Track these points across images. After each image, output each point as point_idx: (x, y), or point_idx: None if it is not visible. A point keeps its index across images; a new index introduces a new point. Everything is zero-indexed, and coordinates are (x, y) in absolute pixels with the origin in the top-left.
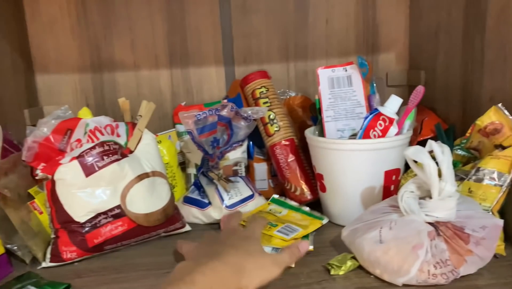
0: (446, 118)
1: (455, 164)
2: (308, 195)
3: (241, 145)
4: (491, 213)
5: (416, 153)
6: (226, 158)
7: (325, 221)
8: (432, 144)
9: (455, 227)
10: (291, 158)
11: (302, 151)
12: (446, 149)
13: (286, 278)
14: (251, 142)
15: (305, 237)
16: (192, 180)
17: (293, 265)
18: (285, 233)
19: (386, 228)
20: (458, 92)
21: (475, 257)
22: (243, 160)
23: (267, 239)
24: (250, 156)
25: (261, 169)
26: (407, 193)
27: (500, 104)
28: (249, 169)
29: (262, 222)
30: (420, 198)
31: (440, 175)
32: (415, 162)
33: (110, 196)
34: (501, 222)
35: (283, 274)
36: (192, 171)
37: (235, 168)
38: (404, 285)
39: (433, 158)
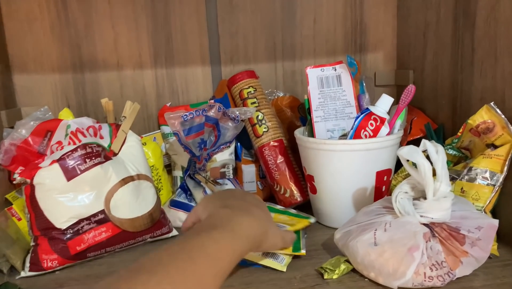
0: (435, 118)
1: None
2: (298, 197)
3: (229, 146)
4: (484, 212)
5: (410, 152)
6: (213, 159)
7: (312, 220)
8: (426, 143)
9: (451, 228)
10: (280, 159)
11: (291, 152)
12: (440, 148)
13: (279, 283)
14: (238, 144)
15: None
16: (179, 183)
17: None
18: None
19: (380, 230)
20: (448, 91)
21: (470, 258)
22: (230, 162)
23: None
24: (238, 157)
25: (249, 170)
26: (401, 193)
27: (492, 103)
28: (237, 171)
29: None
30: (414, 199)
31: (434, 174)
32: (409, 161)
33: (93, 200)
34: (496, 222)
35: (275, 279)
36: (178, 173)
37: (222, 170)
38: (400, 288)
39: (427, 157)
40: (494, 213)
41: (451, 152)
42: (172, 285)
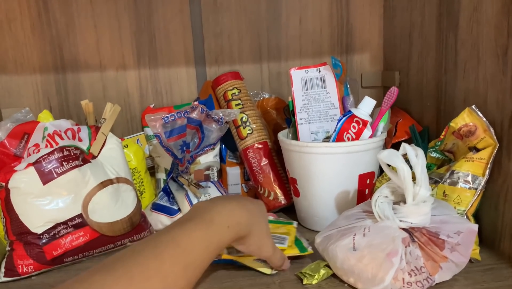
0: (421, 119)
1: (429, 167)
2: (282, 200)
3: (213, 149)
4: (465, 216)
5: (390, 156)
6: (197, 162)
7: (295, 224)
8: (406, 147)
9: (430, 232)
10: (265, 161)
11: (276, 154)
12: (420, 152)
13: None
14: (223, 146)
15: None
16: (162, 185)
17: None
18: (280, 242)
19: (359, 235)
20: (432, 93)
21: (450, 263)
22: (215, 164)
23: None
24: (222, 159)
25: (234, 173)
26: (381, 198)
27: (473, 106)
28: (221, 173)
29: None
30: (395, 203)
31: (414, 178)
32: (389, 165)
33: (71, 204)
34: (476, 227)
35: (255, 284)
36: (161, 176)
37: (206, 172)
38: None
39: (407, 161)
40: (477, 217)
41: (434, 155)
42: (130, 280)
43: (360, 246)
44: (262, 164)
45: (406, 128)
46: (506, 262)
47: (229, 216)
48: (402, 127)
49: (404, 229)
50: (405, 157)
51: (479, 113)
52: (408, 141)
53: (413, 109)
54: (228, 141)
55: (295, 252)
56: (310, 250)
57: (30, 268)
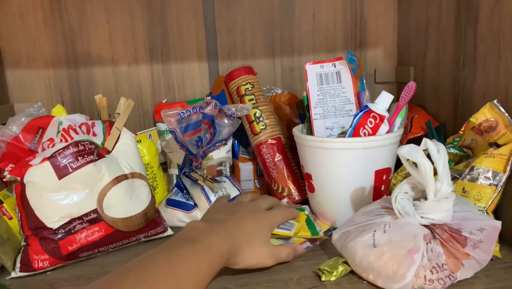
0: (436, 115)
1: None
2: (296, 196)
3: (225, 144)
4: (486, 213)
5: (411, 151)
6: (210, 157)
7: (307, 210)
8: (427, 142)
9: (452, 229)
10: (278, 157)
11: (290, 150)
12: (442, 147)
13: (275, 285)
14: (236, 142)
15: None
16: (174, 181)
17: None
18: (287, 229)
19: (380, 231)
20: (449, 89)
21: (472, 261)
22: (227, 160)
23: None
24: (235, 155)
25: (246, 169)
26: (401, 194)
27: (495, 101)
28: (234, 169)
29: (290, 213)
30: (415, 199)
31: (435, 174)
32: (409, 160)
33: (86, 199)
34: (499, 224)
35: (271, 281)
36: (174, 171)
37: (219, 168)
38: None
39: (428, 156)
40: (497, 214)
41: (452, 151)
42: None
43: (380, 243)
44: (275, 160)
45: (422, 124)
46: None
47: (220, 245)
48: (417, 123)
49: (425, 226)
50: (425, 152)
51: (501, 108)
52: (424, 137)
53: (428, 105)
54: (241, 137)
55: (306, 234)
56: (322, 234)
57: (46, 263)
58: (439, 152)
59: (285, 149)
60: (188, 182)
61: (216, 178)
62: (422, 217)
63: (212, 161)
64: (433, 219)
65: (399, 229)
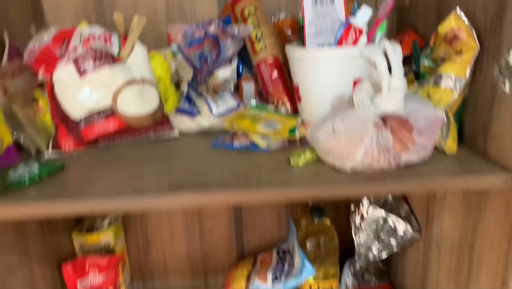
0: (425, 36)
1: (422, 75)
2: (289, 109)
3: (230, 63)
4: (446, 116)
5: (371, 52)
6: (216, 76)
7: (299, 120)
8: (385, 43)
9: (401, 119)
10: (275, 74)
11: (287, 72)
12: (398, 48)
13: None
14: (240, 62)
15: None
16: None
17: None
18: (269, 127)
19: (338, 120)
20: (434, 5)
21: (417, 147)
22: (232, 79)
23: (253, 132)
24: (239, 75)
25: (249, 87)
26: (361, 89)
27: (457, 8)
28: (238, 88)
29: None
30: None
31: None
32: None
33: (103, 97)
34: (442, 114)
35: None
36: (186, 88)
37: (224, 85)
38: (353, 172)
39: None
40: (461, 121)
41: (427, 64)
42: None
43: (338, 129)
44: (272, 77)
45: (410, 45)
46: (480, 156)
47: None
48: (406, 44)
49: (379, 116)
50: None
51: (463, 16)
52: (411, 57)
53: (419, 27)
54: (246, 58)
55: (283, 135)
56: (297, 136)
57: (71, 146)
58: (395, 52)
59: (282, 68)
60: (194, 94)
61: (217, 92)
62: (376, 108)
63: (218, 79)
64: (386, 110)
65: (355, 117)
